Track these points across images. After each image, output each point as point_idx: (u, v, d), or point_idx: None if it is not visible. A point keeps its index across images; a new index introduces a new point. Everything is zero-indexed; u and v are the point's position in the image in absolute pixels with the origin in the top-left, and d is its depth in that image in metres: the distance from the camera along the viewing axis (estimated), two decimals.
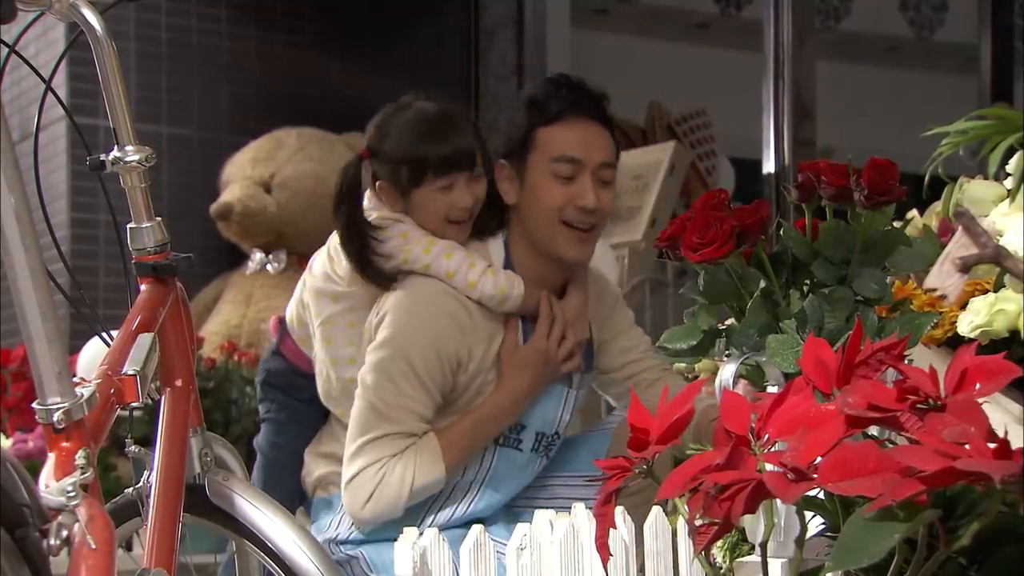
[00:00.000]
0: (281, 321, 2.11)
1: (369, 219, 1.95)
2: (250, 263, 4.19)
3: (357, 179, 1.94)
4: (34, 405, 1.09)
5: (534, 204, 1.93)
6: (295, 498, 2.03)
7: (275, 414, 2.09)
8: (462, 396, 1.90)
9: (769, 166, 3.37)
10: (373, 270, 1.91)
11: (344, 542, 1.90)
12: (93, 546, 0.98)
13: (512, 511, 1.96)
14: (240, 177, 4.12)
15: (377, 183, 1.96)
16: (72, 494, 1.01)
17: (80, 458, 1.06)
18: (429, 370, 1.85)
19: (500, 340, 1.91)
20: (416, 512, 1.89)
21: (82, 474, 1.05)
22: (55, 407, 1.08)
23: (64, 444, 1.08)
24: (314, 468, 2.01)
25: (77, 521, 0.99)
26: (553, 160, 1.91)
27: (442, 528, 1.89)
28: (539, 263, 1.95)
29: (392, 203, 1.95)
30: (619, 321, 2.09)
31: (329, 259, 2.00)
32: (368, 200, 1.99)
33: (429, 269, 1.90)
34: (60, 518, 0.99)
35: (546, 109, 1.93)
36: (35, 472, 1.05)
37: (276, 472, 2.04)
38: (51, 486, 1.03)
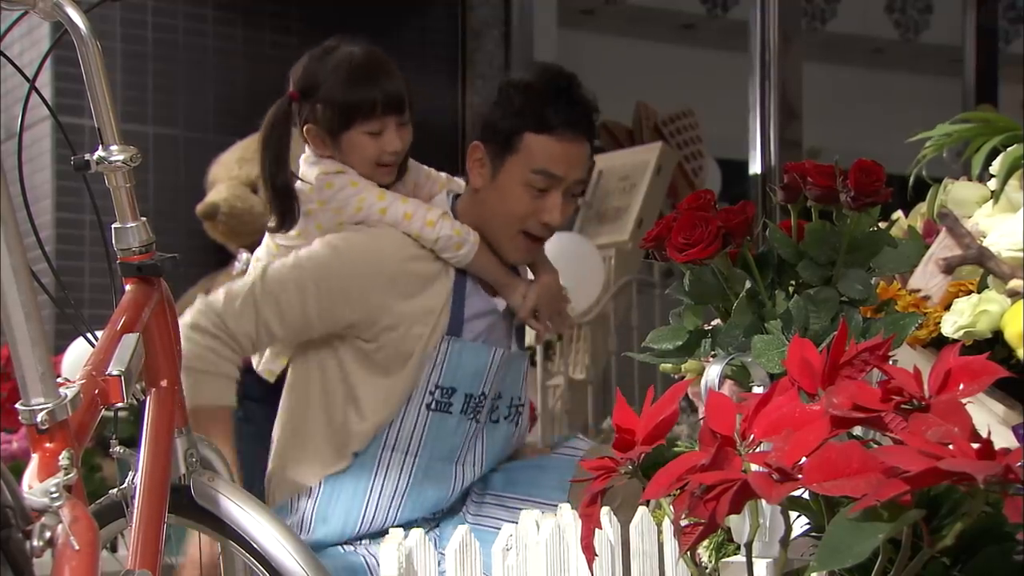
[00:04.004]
0: None
1: (312, 174, 1.96)
2: (236, 263, 4.17)
3: (287, 122, 1.95)
4: (17, 406, 1.08)
5: (499, 204, 1.94)
6: None
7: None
8: (380, 351, 1.90)
9: (755, 167, 3.37)
10: (295, 217, 1.94)
11: None
12: (76, 547, 0.98)
13: (476, 529, 1.95)
14: (226, 177, 4.10)
15: (305, 126, 1.96)
16: (55, 495, 1.01)
17: (64, 459, 1.06)
18: (320, 304, 1.87)
19: (432, 299, 1.91)
20: (356, 483, 1.89)
21: (66, 475, 1.04)
22: (39, 408, 1.07)
23: (48, 445, 1.07)
24: (268, 472, 2.00)
25: (60, 522, 0.99)
26: (533, 171, 1.91)
27: (404, 521, 1.89)
28: (486, 238, 1.97)
29: (320, 146, 1.97)
30: None
31: None
32: (307, 153, 2.00)
33: (386, 214, 1.91)
34: (43, 519, 0.98)
35: (540, 118, 1.91)
36: (19, 473, 1.05)
37: None
38: (34, 487, 1.03)
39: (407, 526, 1.84)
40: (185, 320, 1.87)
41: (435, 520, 1.97)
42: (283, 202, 1.94)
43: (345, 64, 1.94)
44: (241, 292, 1.89)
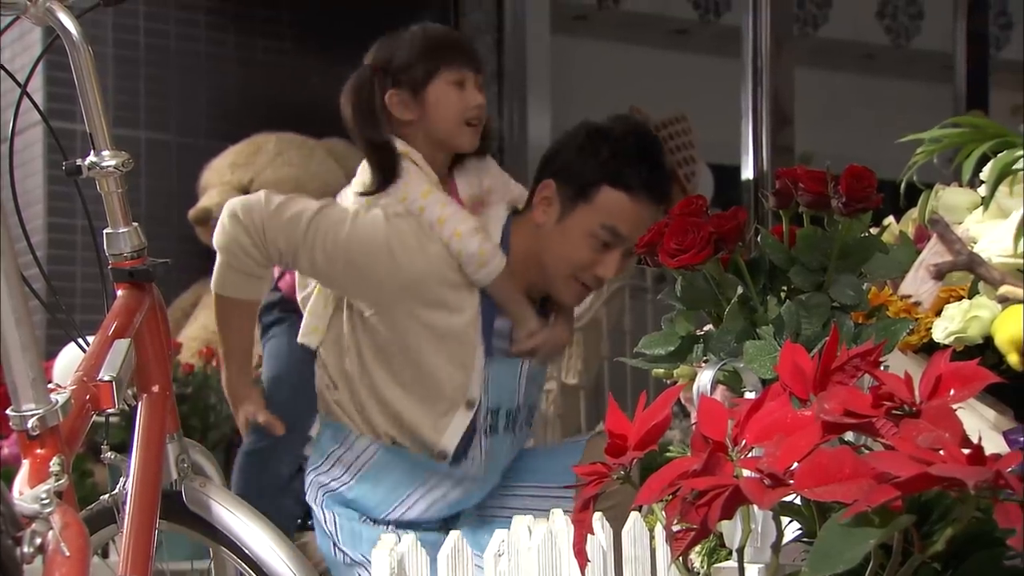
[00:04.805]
0: None
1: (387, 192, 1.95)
2: None
3: (371, 86, 1.96)
4: (8, 412, 1.08)
5: (559, 247, 1.94)
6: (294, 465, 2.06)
7: (276, 337, 2.17)
8: (387, 335, 1.91)
9: (748, 172, 3.37)
10: (396, 172, 1.93)
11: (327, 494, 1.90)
12: (67, 553, 0.97)
13: (486, 519, 1.96)
14: (219, 182, 4.10)
15: (388, 93, 1.97)
16: (46, 501, 1.00)
17: (54, 465, 1.06)
18: (347, 268, 1.88)
19: (454, 309, 1.90)
20: (413, 473, 1.90)
21: (56, 481, 1.04)
22: (29, 414, 1.07)
23: (38, 451, 1.07)
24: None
25: (51, 528, 0.99)
26: (602, 225, 1.91)
27: (423, 525, 1.90)
28: (529, 272, 1.97)
29: (404, 110, 1.97)
30: None
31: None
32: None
33: (424, 212, 1.91)
34: (34, 525, 0.98)
35: (622, 175, 1.91)
36: (10, 479, 1.05)
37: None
38: (25, 493, 1.02)
39: (423, 524, 1.86)
40: (234, 202, 1.88)
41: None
42: (383, 157, 1.93)
43: (421, 31, 2.00)
44: (295, 210, 1.87)
